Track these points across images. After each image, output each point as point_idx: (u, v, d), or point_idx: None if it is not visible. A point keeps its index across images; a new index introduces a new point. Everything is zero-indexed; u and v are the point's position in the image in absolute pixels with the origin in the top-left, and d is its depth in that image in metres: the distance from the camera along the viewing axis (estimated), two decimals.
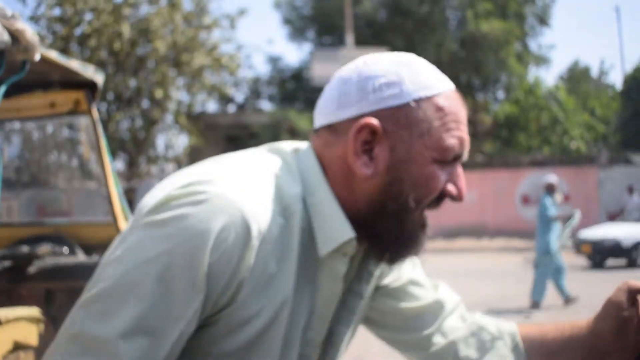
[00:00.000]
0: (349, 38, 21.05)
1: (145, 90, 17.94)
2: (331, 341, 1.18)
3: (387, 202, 1.07)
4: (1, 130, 4.81)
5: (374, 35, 23.50)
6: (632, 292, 1.17)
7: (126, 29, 16.82)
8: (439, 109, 1.07)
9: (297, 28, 26.59)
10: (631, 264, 13.69)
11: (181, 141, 20.12)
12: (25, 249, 3.57)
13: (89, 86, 3.52)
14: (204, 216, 0.94)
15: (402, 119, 1.05)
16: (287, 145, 1.16)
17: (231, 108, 25.00)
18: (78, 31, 17.12)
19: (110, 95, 17.80)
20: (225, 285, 0.96)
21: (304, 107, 23.30)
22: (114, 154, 15.70)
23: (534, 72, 27.96)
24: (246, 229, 0.96)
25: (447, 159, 1.07)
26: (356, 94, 1.07)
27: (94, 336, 0.92)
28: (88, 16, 17.12)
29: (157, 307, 0.93)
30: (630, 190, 18.38)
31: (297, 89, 25.60)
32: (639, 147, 22.83)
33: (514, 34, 23.90)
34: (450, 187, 1.10)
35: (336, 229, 1.06)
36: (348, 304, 1.19)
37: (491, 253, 17.71)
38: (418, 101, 1.06)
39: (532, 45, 27.93)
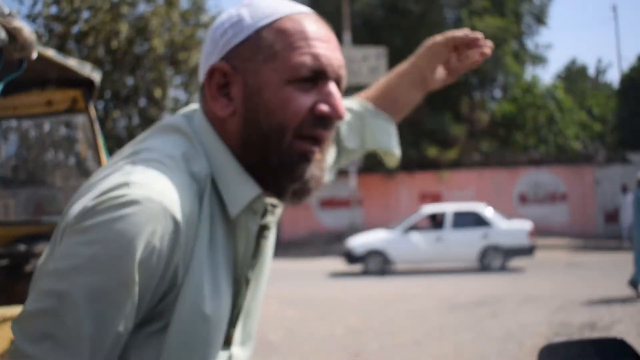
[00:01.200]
0: (347, 37, 21.05)
1: (142, 88, 17.92)
2: (256, 275, 1.23)
3: (250, 135, 1.08)
4: None
5: (371, 34, 23.51)
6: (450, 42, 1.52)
7: (123, 27, 16.79)
8: (281, 31, 1.08)
9: None
10: (363, 272, 14.57)
11: None
12: (22, 247, 3.57)
13: (86, 84, 3.51)
14: (127, 218, 0.94)
15: (246, 52, 1.08)
16: (179, 117, 1.16)
17: None
18: (75, 29, 17.09)
19: (108, 94, 17.79)
20: (160, 278, 0.97)
21: None
22: (111, 152, 15.68)
23: (530, 71, 27.98)
24: (172, 220, 0.96)
25: (300, 76, 1.06)
26: (210, 47, 1.12)
27: (28, 355, 0.92)
28: (85, 14, 17.10)
29: (89, 314, 0.92)
30: (624, 189, 18.33)
31: None
32: (635, 145, 22.87)
33: (510, 32, 23.91)
34: (322, 107, 1.08)
35: (242, 189, 1.08)
36: (263, 238, 1.21)
37: None
38: (258, 31, 1.08)
39: (529, 44, 27.97)
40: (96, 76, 3.48)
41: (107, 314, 0.93)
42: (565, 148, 24.94)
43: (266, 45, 1.07)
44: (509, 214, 18.45)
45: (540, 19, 26.81)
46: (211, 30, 1.14)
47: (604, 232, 21.13)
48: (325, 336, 7.40)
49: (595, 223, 21.63)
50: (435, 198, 21.98)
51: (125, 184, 0.97)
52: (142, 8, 18.04)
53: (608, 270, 13.13)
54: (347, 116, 1.56)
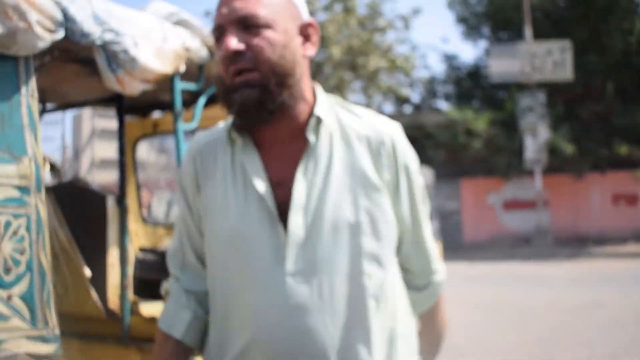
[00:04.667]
0: (528, 31, 20.26)
1: None
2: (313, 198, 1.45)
3: None
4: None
5: (554, 27, 22.37)
6: None
7: None
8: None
9: (471, 26, 25.94)
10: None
11: None
12: None
13: None
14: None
15: None
16: None
17: (407, 109, 24.85)
18: None
19: None
20: (190, 182, 1.54)
21: (480, 106, 22.71)
22: None
23: None
24: (189, 152, 1.56)
25: (216, 38, 1.46)
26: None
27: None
28: None
29: (178, 205, 1.59)
30: None
31: (473, 88, 24.92)
32: None
33: None
34: (221, 51, 1.44)
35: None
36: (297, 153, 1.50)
37: None
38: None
39: None
40: None
41: (180, 204, 1.57)
42: None
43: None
44: None
45: None
46: None
47: None
48: (514, 344, 7.15)
49: None
50: (631, 200, 20.44)
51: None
52: (321, 17, 18.58)
53: None
54: None
